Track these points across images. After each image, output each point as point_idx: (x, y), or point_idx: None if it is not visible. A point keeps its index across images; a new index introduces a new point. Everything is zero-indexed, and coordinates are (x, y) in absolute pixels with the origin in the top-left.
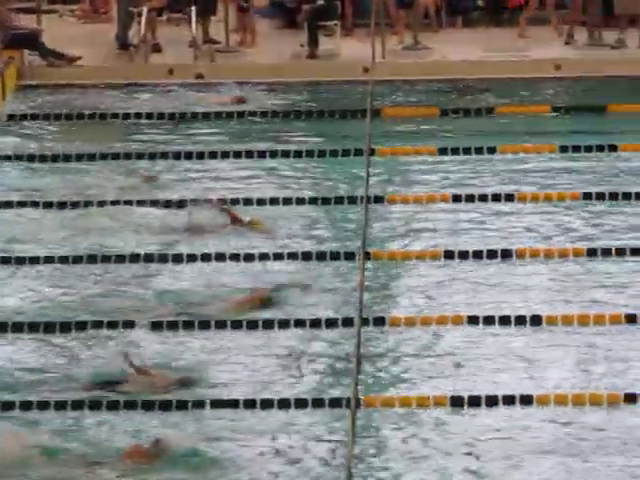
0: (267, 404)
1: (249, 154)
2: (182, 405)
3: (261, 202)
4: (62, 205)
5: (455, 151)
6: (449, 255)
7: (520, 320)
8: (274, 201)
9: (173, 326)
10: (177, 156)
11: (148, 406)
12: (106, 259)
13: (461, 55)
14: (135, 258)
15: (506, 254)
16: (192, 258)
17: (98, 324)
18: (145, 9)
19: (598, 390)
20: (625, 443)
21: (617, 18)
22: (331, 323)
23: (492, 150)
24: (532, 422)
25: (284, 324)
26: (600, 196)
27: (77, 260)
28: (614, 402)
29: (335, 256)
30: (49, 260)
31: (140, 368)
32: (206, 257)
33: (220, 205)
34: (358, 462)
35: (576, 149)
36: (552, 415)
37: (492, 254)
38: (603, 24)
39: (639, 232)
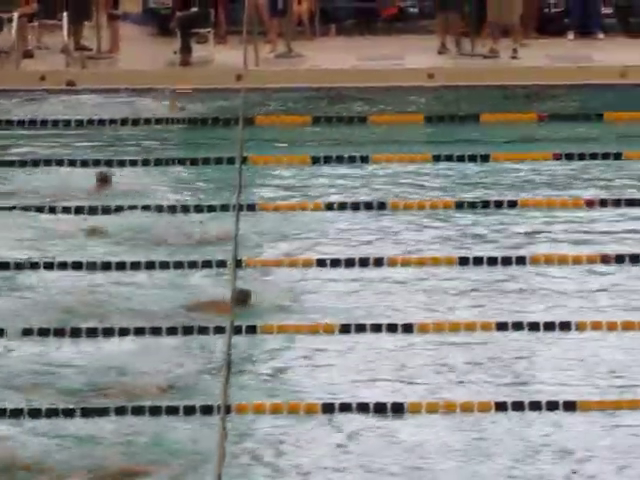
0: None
1: (121, 163)
2: None
3: (133, 207)
4: None
5: (328, 160)
6: (321, 263)
7: (392, 328)
8: (146, 208)
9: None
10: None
11: None
12: None
13: (334, 63)
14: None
15: (378, 262)
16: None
17: None
18: (16, 15)
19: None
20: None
21: (489, 28)
22: (202, 329)
23: (365, 159)
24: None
25: (156, 331)
26: (472, 205)
27: None
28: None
29: (207, 264)
30: None
31: None
32: None
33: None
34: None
35: (449, 158)
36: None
37: (364, 262)
38: (476, 34)
39: (511, 239)
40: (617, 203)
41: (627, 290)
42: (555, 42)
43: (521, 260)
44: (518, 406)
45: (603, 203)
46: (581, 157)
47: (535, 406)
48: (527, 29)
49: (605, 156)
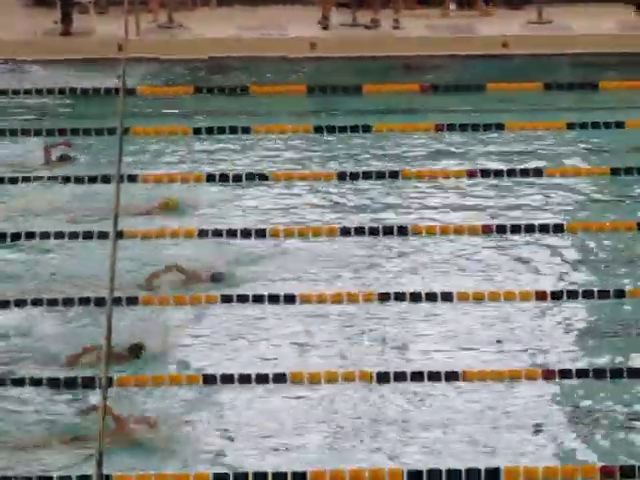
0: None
1: (1, 133)
2: None
3: (14, 181)
4: None
5: (210, 130)
6: (204, 234)
7: (274, 298)
8: (26, 179)
9: None
10: None
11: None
12: None
13: (216, 33)
14: None
15: (260, 233)
16: None
17: None
18: None
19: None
20: None
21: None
22: (84, 301)
23: (247, 130)
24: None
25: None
26: (354, 176)
27: None
28: None
29: (88, 235)
30: None
31: None
32: None
33: None
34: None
35: (331, 129)
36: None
37: (246, 233)
38: (358, 4)
39: (394, 209)
40: (499, 174)
41: (503, 260)
42: (436, 12)
43: (403, 230)
44: (401, 377)
45: (485, 173)
46: (463, 128)
47: (418, 377)
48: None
49: (487, 127)
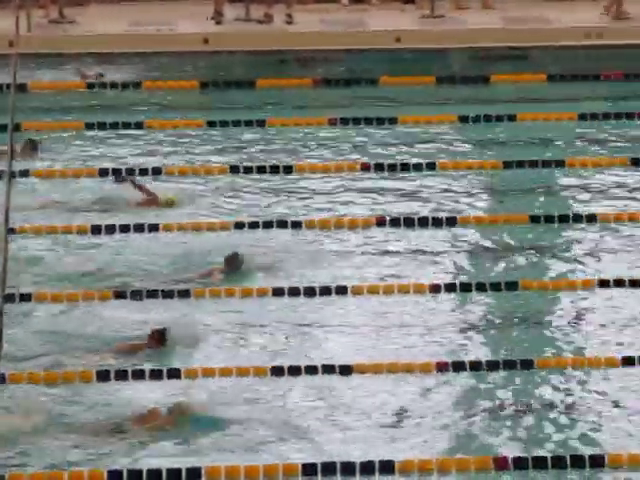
0: None
1: None
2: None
3: None
4: None
5: (102, 126)
6: (97, 230)
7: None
8: None
9: None
10: None
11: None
12: None
13: (107, 28)
14: None
15: (153, 228)
16: None
17: None
18: None
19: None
20: None
21: None
22: None
23: (139, 125)
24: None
25: None
26: (248, 169)
27: None
28: None
29: None
30: None
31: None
32: None
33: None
34: None
35: (224, 124)
36: None
37: (138, 227)
38: None
39: (288, 203)
40: (392, 167)
41: (399, 252)
42: (329, 7)
43: (297, 225)
44: (295, 370)
45: (378, 167)
46: (356, 122)
47: (312, 370)
48: None
49: (380, 121)
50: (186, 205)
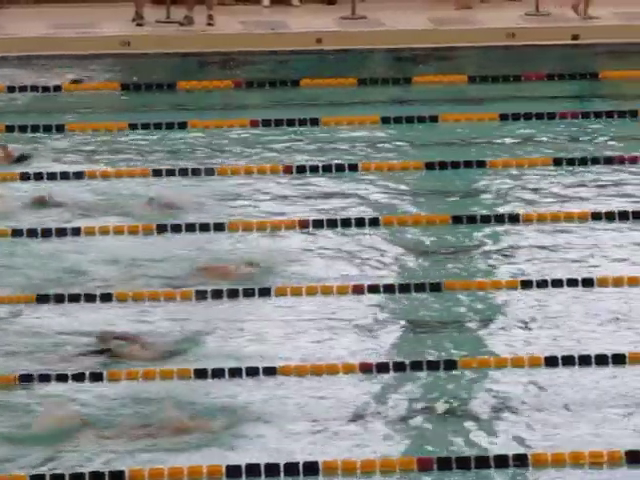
0: None
1: None
2: None
3: None
4: None
5: (23, 129)
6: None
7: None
8: None
9: None
10: None
11: None
12: None
13: (26, 31)
14: None
15: (75, 231)
16: None
17: None
18: None
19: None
20: None
21: None
22: None
23: (61, 128)
24: None
25: None
26: (170, 172)
27: None
28: None
29: None
30: None
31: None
32: None
33: None
34: None
35: (146, 126)
36: None
37: (60, 231)
38: (171, 1)
39: (209, 206)
40: (314, 169)
41: (321, 254)
42: (250, 9)
43: (219, 227)
44: (220, 372)
45: (301, 169)
46: (278, 123)
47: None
48: None
49: (302, 122)
50: (113, 208)
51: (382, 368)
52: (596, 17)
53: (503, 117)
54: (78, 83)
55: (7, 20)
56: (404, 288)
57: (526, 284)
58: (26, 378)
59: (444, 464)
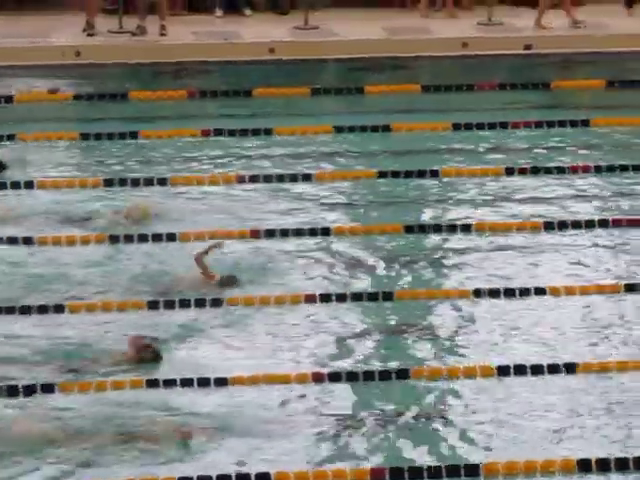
0: None
1: None
2: None
3: None
4: None
5: None
6: None
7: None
8: None
9: None
10: None
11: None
12: None
13: None
14: None
15: (27, 240)
16: None
17: None
18: None
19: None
20: None
21: (136, 5)
22: None
23: (11, 137)
24: None
25: None
26: (123, 182)
27: None
28: None
29: None
30: None
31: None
32: None
33: None
34: None
35: (98, 136)
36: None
37: (28, 240)
38: (123, 11)
39: (162, 215)
40: (268, 179)
41: (271, 264)
42: (203, 19)
43: (171, 237)
44: (170, 382)
45: (254, 179)
46: (231, 133)
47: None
48: (175, 6)
49: (255, 132)
50: (65, 218)
51: (334, 378)
52: (550, 27)
53: (456, 126)
54: (54, 93)
55: None
56: (356, 297)
57: (478, 293)
58: None
59: (396, 474)
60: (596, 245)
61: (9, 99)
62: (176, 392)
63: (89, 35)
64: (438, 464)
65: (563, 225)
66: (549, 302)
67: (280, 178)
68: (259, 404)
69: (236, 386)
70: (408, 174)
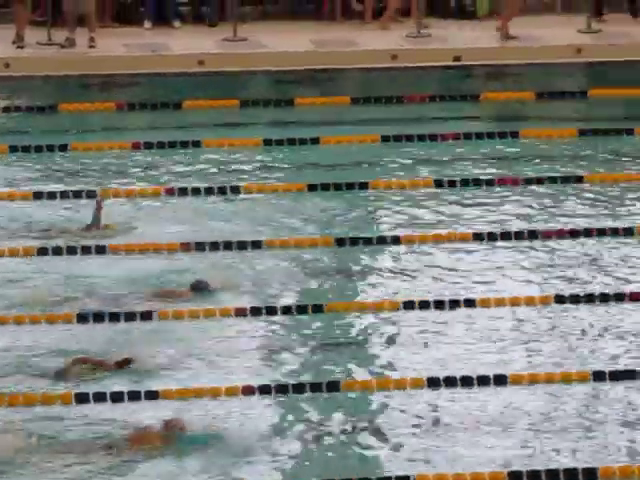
0: None
1: None
2: None
3: None
4: None
5: None
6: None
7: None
8: None
9: None
10: None
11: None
12: None
13: None
14: None
15: None
16: None
17: None
18: None
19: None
20: None
21: (65, 17)
22: None
23: None
24: None
25: None
26: (51, 195)
27: None
28: None
29: None
30: None
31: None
32: None
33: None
34: None
35: (26, 149)
36: None
37: None
38: (52, 23)
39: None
40: (196, 191)
41: (210, 276)
42: (132, 31)
43: (101, 249)
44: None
45: (182, 191)
46: (160, 146)
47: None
48: (104, 18)
49: (184, 144)
50: None
51: (264, 391)
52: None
53: (385, 138)
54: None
55: None
56: (286, 310)
57: (408, 305)
58: None
59: None
60: (526, 257)
61: None
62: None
63: (18, 47)
64: (369, 477)
65: (492, 237)
66: (479, 313)
67: (209, 191)
68: (187, 417)
69: (165, 399)
70: (337, 186)
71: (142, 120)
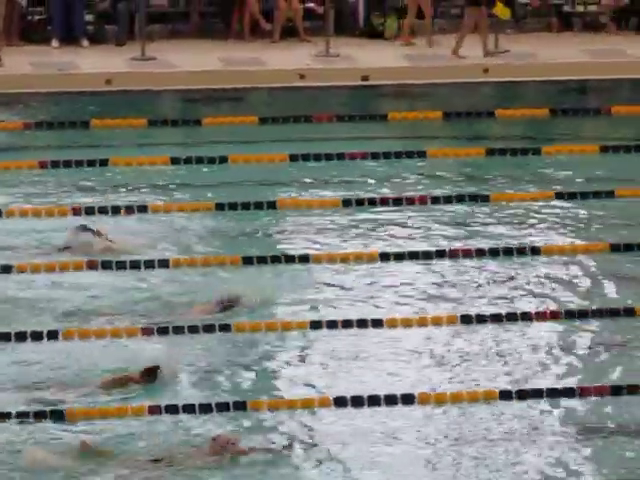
0: None
1: None
2: None
3: None
4: None
5: None
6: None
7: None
8: None
9: None
10: None
11: None
12: None
13: None
14: None
15: None
16: None
17: None
18: None
19: None
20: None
21: None
22: None
23: None
24: None
25: None
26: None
27: None
28: None
29: None
30: None
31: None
32: None
33: None
34: None
35: None
36: None
37: None
38: None
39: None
40: (103, 210)
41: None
42: (40, 49)
43: (7, 269)
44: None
45: (89, 210)
46: (67, 164)
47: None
48: (10, 36)
49: (91, 163)
50: None
51: (171, 409)
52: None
53: (293, 158)
54: None
55: None
56: (193, 329)
57: (316, 325)
58: None
59: None
60: (433, 276)
61: None
62: None
63: None
64: None
65: (400, 256)
66: (386, 334)
67: (115, 210)
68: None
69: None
70: (245, 205)
71: (49, 139)
